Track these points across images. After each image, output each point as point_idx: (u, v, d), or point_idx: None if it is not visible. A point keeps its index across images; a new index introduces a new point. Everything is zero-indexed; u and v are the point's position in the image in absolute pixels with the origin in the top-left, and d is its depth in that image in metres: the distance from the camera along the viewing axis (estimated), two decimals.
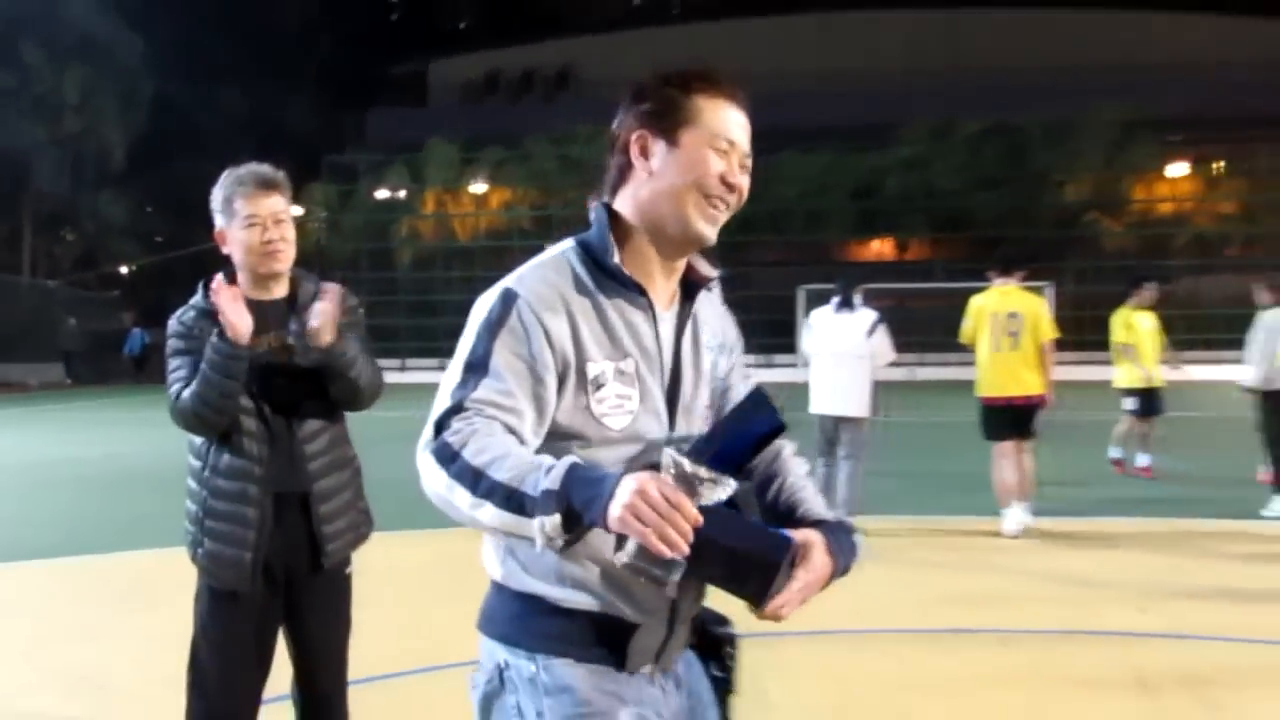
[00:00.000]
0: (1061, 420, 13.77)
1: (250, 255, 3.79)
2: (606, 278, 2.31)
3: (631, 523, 1.93)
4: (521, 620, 2.25)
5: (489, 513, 2.04)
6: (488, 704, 2.36)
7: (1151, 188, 51.69)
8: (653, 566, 2.01)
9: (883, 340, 10.67)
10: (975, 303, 10.94)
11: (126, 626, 7.47)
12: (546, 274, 2.31)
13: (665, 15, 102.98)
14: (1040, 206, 48.62)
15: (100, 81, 48.49)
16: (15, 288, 48.82)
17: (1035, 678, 6.14)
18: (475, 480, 2.05)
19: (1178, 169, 50.79)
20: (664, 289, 2.40)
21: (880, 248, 52.83)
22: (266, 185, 3.82)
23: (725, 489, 2.07)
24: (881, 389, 11.10)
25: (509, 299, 2.25)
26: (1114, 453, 14.78)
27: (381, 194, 51.55)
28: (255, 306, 3.74)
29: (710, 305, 2.58)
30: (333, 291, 3.75)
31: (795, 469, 2.57)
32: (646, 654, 2.35)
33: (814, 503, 2.54)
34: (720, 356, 2.56)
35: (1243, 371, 11.92)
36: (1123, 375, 14.33)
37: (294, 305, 3.86)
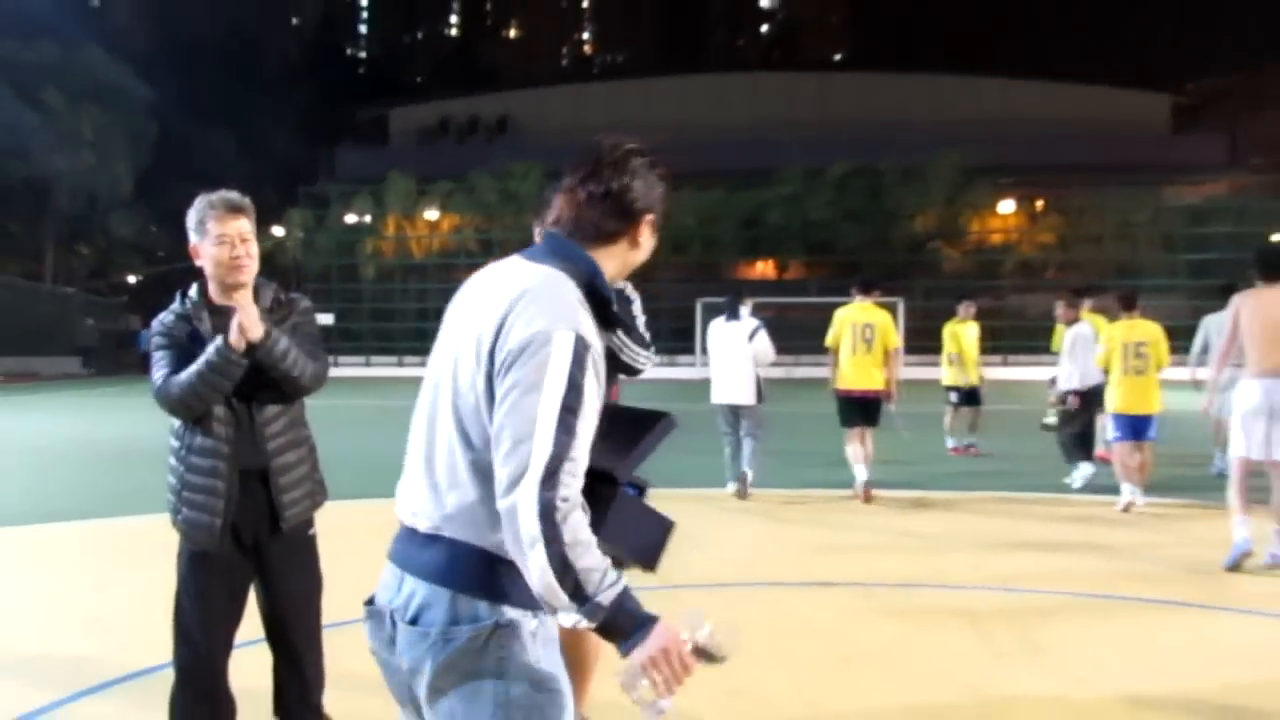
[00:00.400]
0: (913, 411, 13.95)
1: (219, 268, 3.78)
2: (599, 323, 2.27)
3: (649, 670, 2.11)
4: (520, 584, 2.14)
5: (545, 577, 2.05)
6: (462, 654, 2.22)
7: (985, 221, 52.58)
8: (651, 706, 2.16)
9: (763, 343, 10.89)
10: (839, 314, 11.22)
11: (128, 579, 7.33)
12: (585, 319, 2.22)
13: (587, 74, 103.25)
14: (893, 236, 49.26)
15: (112, 121, 48.00)
16: (38, 293, 48.44)
17: (890, 621, 6.17)
18: (560, 557, 2.04)
19: (1006, 206, 51.70)
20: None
21: (764, 268, 53.12)
22: (234, 209, 3.81)
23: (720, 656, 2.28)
24: (766, 382, 11.25)
25: (582, 345, 2.16)
26: (950, 442, 15.10)
27: (349, 218, 51.25)
28: (222, 311, 3.79)
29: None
30: (242, 306, 3.71)
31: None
32: None
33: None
34: None
35: (1058, 373, 12.10)
36: (947, 376, 15.12)
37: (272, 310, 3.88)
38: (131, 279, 55.98)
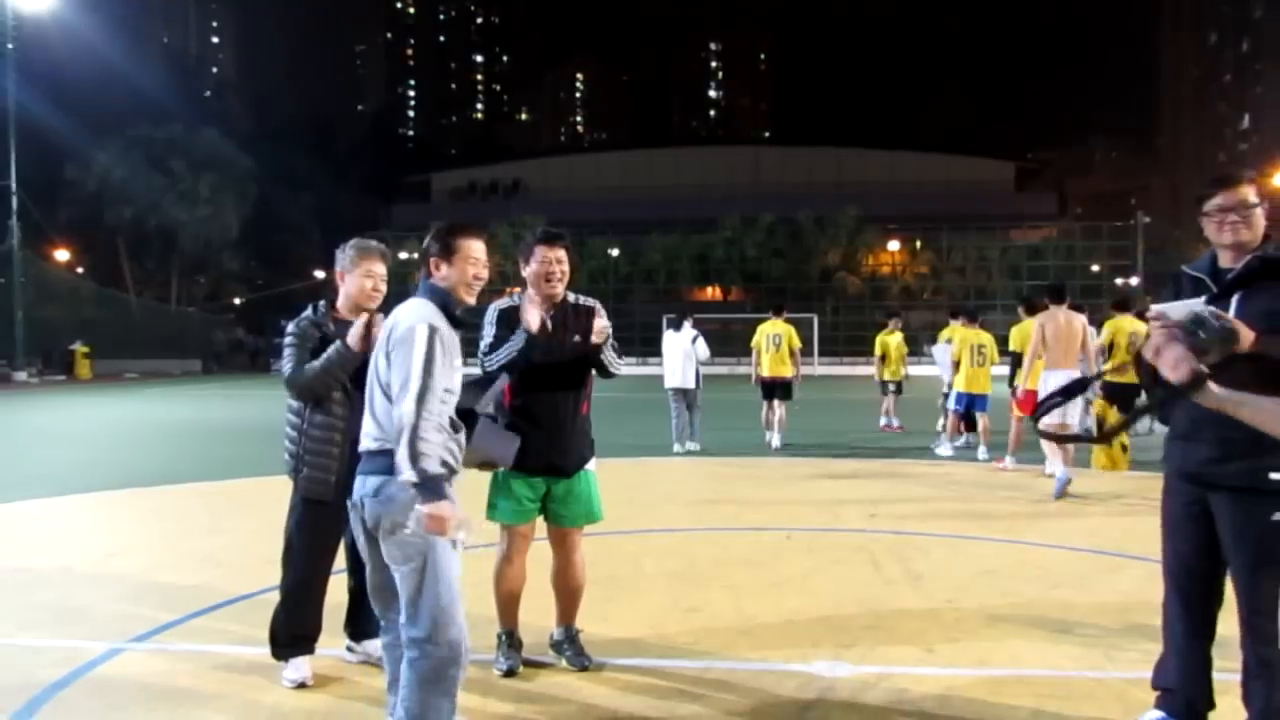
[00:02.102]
0: (821, 398, 13.98)
1: (360, 294, 3.91)
2: (450, 319, 3.04)
3: (425, 518, 2.80)
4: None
5: (405, 452, 2.77)
6: (397, 509, 2.88)
7: (877, 257, 52.79)
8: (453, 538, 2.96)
9: (701, 346, 12.03)
10: (760, 328, 12.65)
11: (236, 526, 7.27)
12: (437, 319, 2.96)
13: (579, 148, 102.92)
14: (809, 269, 49.40)
15: (223, 184, 47.68)
16: (166, 312, 48.38)
17: (807, 556, 6.17)
18: (413, 444, 2.79)
19: (893, 245, 51.91)
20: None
21: (713, 292, 53.15)
22: (380, 255, 4.00)
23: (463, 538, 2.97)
24: (704, 375, 12.26)
25: (432, 331, 2.91)
26: (883, 421, 14.73)
27: (402, 256, 50.78)
28: (345, 322, 3.87)
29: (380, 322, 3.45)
30: (364, 323, 3.78)
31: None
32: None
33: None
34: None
35: (937, 370, 12.94)
36: (880, 372, 14.80)
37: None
38: (237, 301, 55.65)
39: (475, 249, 3.16)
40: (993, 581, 5.46)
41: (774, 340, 12.32)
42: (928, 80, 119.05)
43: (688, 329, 12.13)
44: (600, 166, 64.32)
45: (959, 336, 11.54)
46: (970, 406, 11.23)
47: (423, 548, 2.88)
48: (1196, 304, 2.58)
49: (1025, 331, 9.66)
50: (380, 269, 3.92)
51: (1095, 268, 48.95)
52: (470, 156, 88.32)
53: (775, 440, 12.14)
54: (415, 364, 2.82)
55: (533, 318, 3.81)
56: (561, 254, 3.94)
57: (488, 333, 3.97)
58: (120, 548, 6.60)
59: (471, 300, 3.13)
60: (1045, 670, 3.97)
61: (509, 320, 3.94)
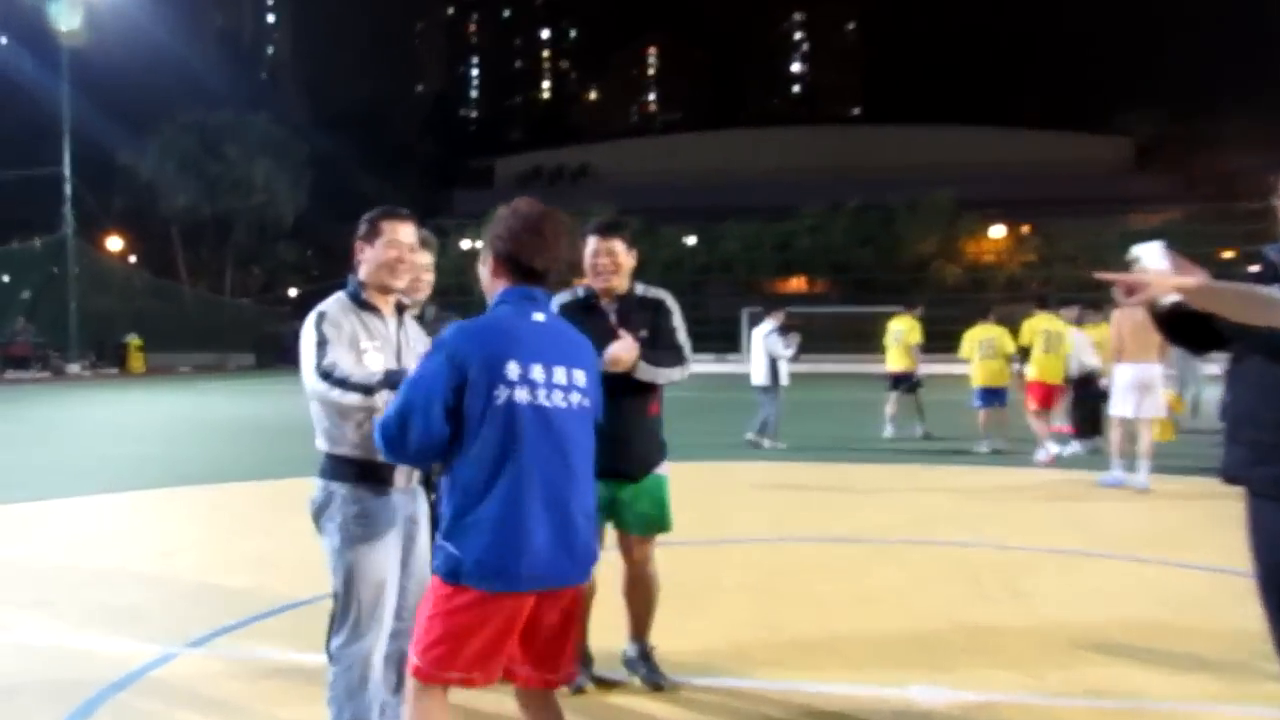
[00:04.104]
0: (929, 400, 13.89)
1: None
2: (358, 302, 3.21)
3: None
4: (337, 469, 3.14)
5: (324, 394, 3.04)
6: (318, 512, 3.15)
7: (979, 245, 51.73)
8: None
9: (773, 342, 12.56)
10: (890, 325, 14.19)
11: (291, 527, 7.41)
12: (332, 306, 3.17)
13: (651, 129, 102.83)
14: (900, 258, 48.62)
15: (278, 171, 48.72)
16: (220, 305, 49.71)
17: (898, 570, 6.10)
18: (325, 394, 3.03)
19: (997, 231, 50.90)
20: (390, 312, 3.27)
21: (796, 284, 52.80)
22: (407, 219, 3.67)
23: None
24: (787, 373, 12.81)
25: (320, 315, 3.12)
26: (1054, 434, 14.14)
27: (464, 245, 51.43)
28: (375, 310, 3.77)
29: (409, 319, 3.36)
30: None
31: None
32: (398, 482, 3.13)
33: None
34: (420, 346, 3.26)
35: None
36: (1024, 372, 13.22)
37: (422, 317, 3.88)
38: (293, 292, 56.93)
39: (399, 231, 3.22)
40: (1107, 603, 5.32)
41: (895, 335, 13.98)
42: (1033, 49, 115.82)
43: (766, 323, 12.79)
44: (674, 149, 64.36)
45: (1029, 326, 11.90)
46: (991, 402, 12.20)
47: (343, 555, 3.08)
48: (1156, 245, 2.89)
49: (1034, 329, 11.52)
50: (408, 236, 3.31)
51: (1228, 254, 47.20)
52: (536, 139, 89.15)
53: (889, 430, 13.73)
54: (305, 352, 3.04)
55: (621, 353, 3.76)
56: (615, 245, 3.95)
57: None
58: (174, 547, 6.81)
59: (397, 283, 3.20)
60: (1167, 703, 3.85)
61: (569, 318, 3.95)
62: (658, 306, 4.02)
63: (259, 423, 17.29)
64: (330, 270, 52.02)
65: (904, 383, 13.88)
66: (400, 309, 3.34)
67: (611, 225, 4.03)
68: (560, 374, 2.60)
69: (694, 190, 55.19)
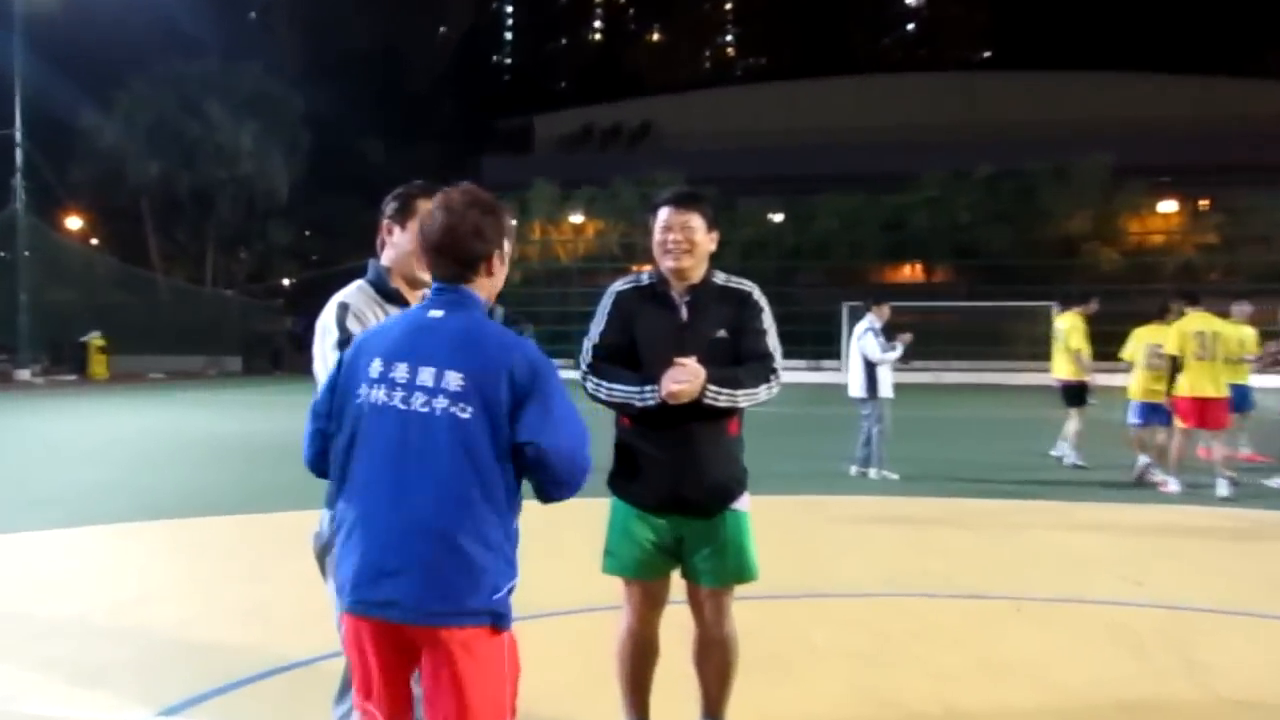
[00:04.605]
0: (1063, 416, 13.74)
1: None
2: (385, 294, 3.45)
3: None
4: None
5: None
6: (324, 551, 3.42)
7: (1144, 223, 50.77)
8: None
9: (868, 343, 12.45)
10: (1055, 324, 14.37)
11: (288, 571, 7.54)
12: (353, 294, 3.42)
13: (728, 78, 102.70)
14: (1044, 238, 47.93)
15: (269, 132, 49.52)
16: (200, 297, 50.64)
17: (1041, 634, 6.03)
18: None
19: (1167, 206, 49.96)
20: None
21: (910, 272, 52.36)
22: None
23: None
24: (892, 384, 12.67)
25: (340, 305, 3.36)
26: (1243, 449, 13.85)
27: None
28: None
29: None
30: None
31: None
32: None
33: None
34: None
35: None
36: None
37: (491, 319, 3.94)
38: (286, 281, 57.74)
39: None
40: None
41: (1058, 337, 14.09)
42: None
43: (864, 320, 12.75)
44: (757, 103, 64.12)
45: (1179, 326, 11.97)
46: (1152, 419, 12.39)
47: None
48: None
49: (1184, 332, 11.52)
50: None
51: None
52: (585, 93, 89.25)
53: (1061, 451, 13.95)
54: (322, 351, 3.14)
55: (672, 384, 3.75)
56: (690, 219, 3.96)
57: (598, 328, 4.03)
58: (146, 593, 6.97)
59: (427, 276, 3.15)
60: None
61: (630, 310, 4.00)
62: (743, 300, 4.02)
63: (248, 442, 17.58)
64: (332, 254, 52.71)
65: (1073, 396, 13.73)
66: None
67: (689, 195, 4.06)
68: (427, 375, 2.74)
69: (782, 155, 54.91)
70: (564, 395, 2.78)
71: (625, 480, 3.99)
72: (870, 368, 12.49)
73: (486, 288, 2.95)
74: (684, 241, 3.94)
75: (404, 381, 2.74)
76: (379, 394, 2.75)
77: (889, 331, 12.67)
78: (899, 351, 12.49)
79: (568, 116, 69.66)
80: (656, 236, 3.99)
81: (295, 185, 51.27)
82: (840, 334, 37.59)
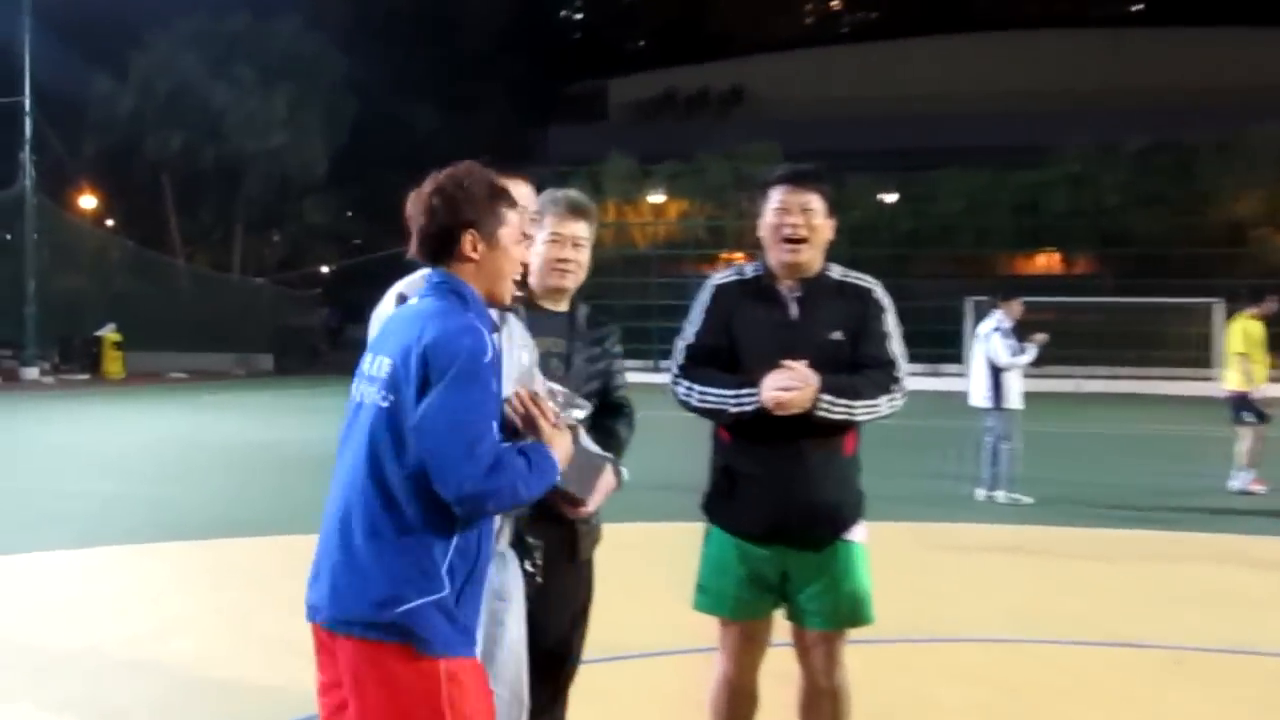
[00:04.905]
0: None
1: (544, 267, 3.92)
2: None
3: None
4: None
5: None
6: None
7: None
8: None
9: (994, 344, 12.40)
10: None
11: None
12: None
13: (835, 35, 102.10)
14: (1207, 223, 47.07)
15: (306, 98, 49.86)
16: (226, 284, 51.23)
17: (1206, 695, 5.92)
18: None
19: None
20: None
21: (1046, 262, 51.70)
22: (576, 211, 4.01)
23: (584, 408, 3.22)
24: (1021, 392, 12.56)
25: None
26: None
27: None
28: (541, 314, 3.83)
29: (512, 319, 3.37)
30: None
31: (582, 432, 3.35)
32: None
33: (597, 449, 3.44)
34: (524, 352, 3.35)
35: None
36: None
37: (573, 320, 3.99)
38: (325, 269, 58.25)
39: (523, 197, 3.44)
40: None
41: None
42: None
43: (990, 319, 12.77)
44: (867, 64, 63.85)
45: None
46: None
47: None
48: None
49: (1251, 331, 12.55)
50: (575, 229, 4.00)
51: None
52: (666, 53, 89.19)
53: (1234, 481, 13.60)
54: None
55: (774, 388, 3.73)
56: (810, 200, 3.95)
57: (693, 327, 4.02)
58: (168, 624, 7.09)
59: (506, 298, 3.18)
60: None
61: (730, 306, 3.99)
62: (863, 298, 4.00)
63: (281, 452, 17.79)
64: (376, 238, 52.99)
65: (1241, 410, 13.57)
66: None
67: (808, 173, 4.04)
68: (375, 364, 2.95)
69: (896, 124, 54.59)
70: (466, 385, 2.77)
71: (722, 504, 3.99)
72: (996, 373, 12.42)
73: (472, 274, 3.01)
74: (803, 226, 3.91)
75: (367, 374, 2.96)
76: (356, 388, 2.99)
77: (1019, 332, 12.55)
78: (1031, 355, 12.37)
79: (647, 80, 69.79)
80: (769, 219, 3.96)
81: (335, 159, 51.62)
82: (963, 334, 37.21)
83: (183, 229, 51.78)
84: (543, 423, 2.99)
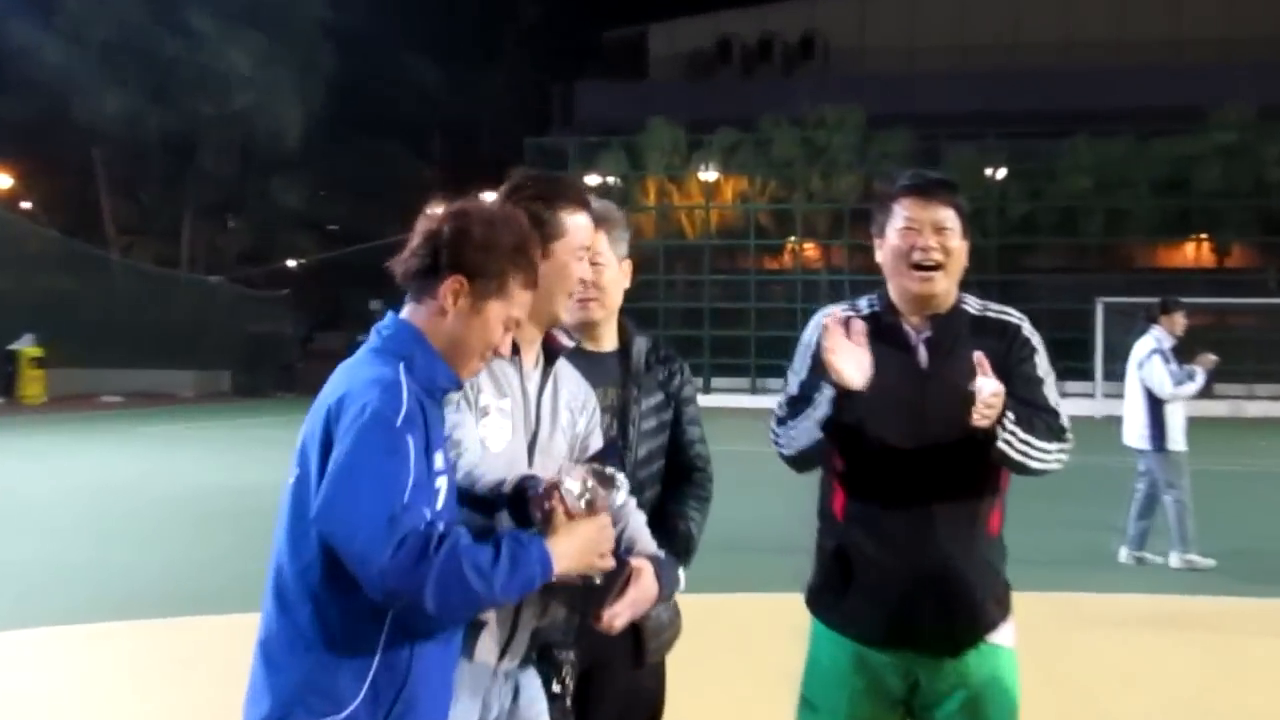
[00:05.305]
0: None
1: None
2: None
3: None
4: None
5: None
6: None
7: None
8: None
9: (1153, 371, 12.13)
10: None
11: None
12: None
13: None
14: None
15: (274, 50, 49.70)
16: (173, 285, 51.22)
17: None
18: None
19: None
20: (529, 353, 3.34)
21: (1196, 253, 51.50)
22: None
23: (622, 487, 3.11)
24: (1185, 426, 12.30)
25: None
26: None
27: (593, 180, 51.43)
28: (583, 359, 3.75)
29: (568, 369, 3.47)
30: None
31: (633, 517, 3.41)
32: (490, 649, 3.19)
33: (647, 542, 3.40)
34: (579, 415, 3.44)
35: None
36: None
37: (626, 360, 4.07)
38: (292, 263, 58.18)
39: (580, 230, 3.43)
40: None
41: None
42: None
43: (1151, 336, 12.52)
44: (969, 9, 63.66)
45: None
46: None
47: None
48: None
49: None
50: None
51: None
52: None
53: None
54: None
55: (848, 365, 3.62)
56: (946, 217, 3.85)
57: (797, 377, 3.97)
58: None
59: (565, 314, 3.35)
60: None
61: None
62: (1008, 335, 3.92)
63: (253, 501, 17.36)
64: (359, 224, 53.02)
65: None
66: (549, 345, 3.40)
67: (939, 183, 3.95)
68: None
69: (1005, 82, 54.47)
70: (369, 448, 2.72)
71: (832, 597, 3.94)
72: (1156, 406, 12.17)
73: (434, 326, 2.96)
74: (937, 250, 3.81)
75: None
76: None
77: (1176, 351, 12.37)
78: (1200, 383, 12.22)
79: (696, 26, 69.65)
80: (893, 240, 3.86)
81: (311, 125, 51.74)
82: (1093, 341, 37.10)
83: (119, 215, 52.05)
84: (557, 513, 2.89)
